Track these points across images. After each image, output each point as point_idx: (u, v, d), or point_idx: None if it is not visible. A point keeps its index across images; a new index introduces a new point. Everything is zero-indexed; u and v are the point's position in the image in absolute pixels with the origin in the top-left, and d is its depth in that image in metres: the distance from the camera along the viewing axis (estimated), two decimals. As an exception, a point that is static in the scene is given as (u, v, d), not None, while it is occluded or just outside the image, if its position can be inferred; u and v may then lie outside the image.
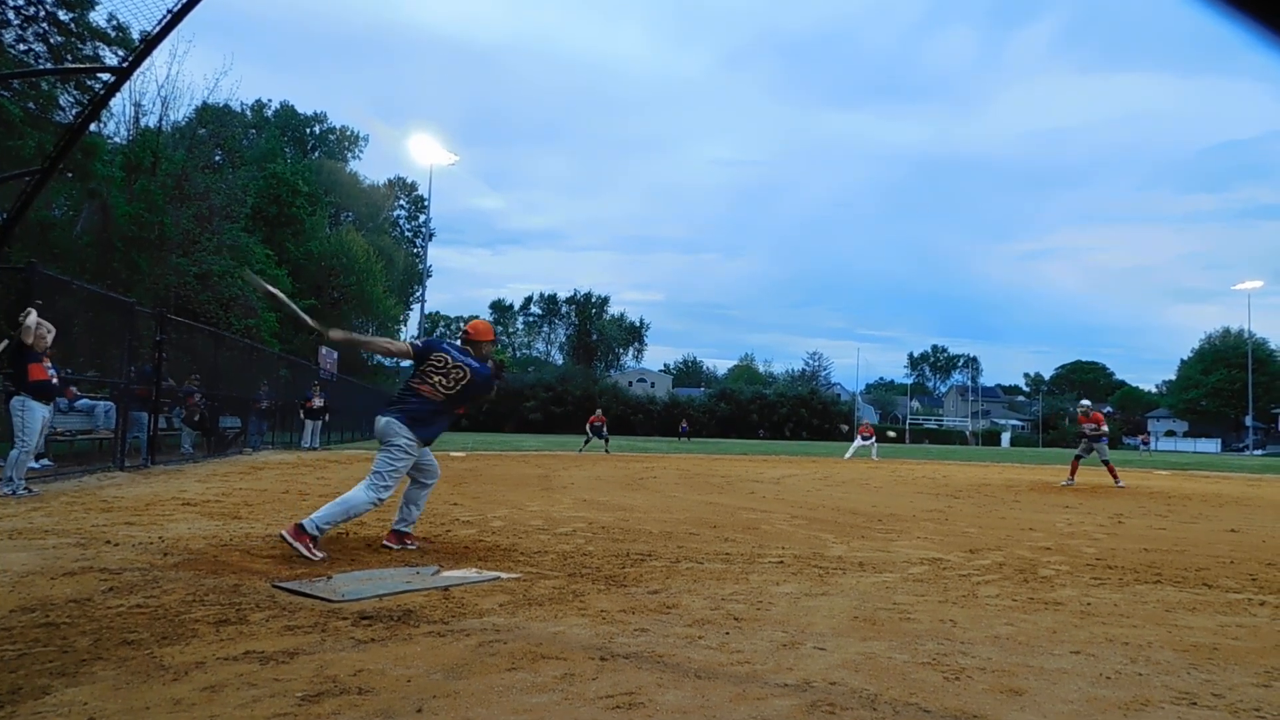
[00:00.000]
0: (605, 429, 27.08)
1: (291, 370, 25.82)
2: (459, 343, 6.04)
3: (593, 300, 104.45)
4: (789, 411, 78.01)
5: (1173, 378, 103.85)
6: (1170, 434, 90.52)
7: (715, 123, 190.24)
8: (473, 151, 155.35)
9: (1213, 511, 11.32)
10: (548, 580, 4.91)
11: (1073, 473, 16.63)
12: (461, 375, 5.79)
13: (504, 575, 5.00)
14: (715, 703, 2.81)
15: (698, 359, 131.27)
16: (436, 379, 5.76)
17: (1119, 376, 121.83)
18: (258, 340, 26.81)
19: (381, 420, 5.68)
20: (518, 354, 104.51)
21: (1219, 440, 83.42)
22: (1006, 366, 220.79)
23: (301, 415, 22.59)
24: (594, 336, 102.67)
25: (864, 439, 30.09)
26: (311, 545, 5.27)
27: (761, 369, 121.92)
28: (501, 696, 2.81)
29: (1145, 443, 77.51)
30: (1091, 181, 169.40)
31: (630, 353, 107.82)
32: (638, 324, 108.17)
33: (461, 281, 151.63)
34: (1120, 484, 15.96)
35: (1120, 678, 3.26)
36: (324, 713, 2.60)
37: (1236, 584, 5.51)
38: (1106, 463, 16.41)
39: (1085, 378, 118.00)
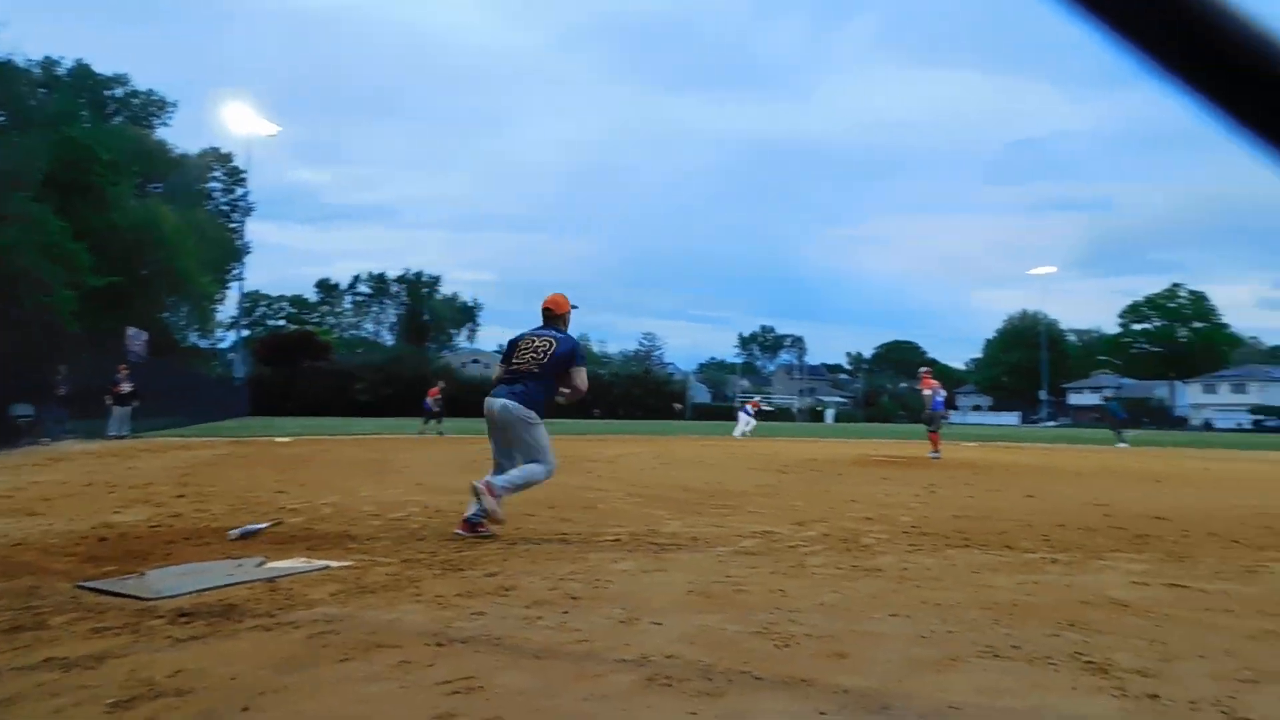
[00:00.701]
0: (440, 406, 26.23)
1: (95, 352, 23.95)
2: (540, 324, 6.47)
3: (424, 279, 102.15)
4: (624, 391, 78.89)
5: (979, 356, 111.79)
6: (977, 408, 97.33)
7: (552, 101, 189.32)
8: (296, 123, 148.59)
9: (1013, 479, 12.28)
10: (381, 567, 4.79)
11: (935, 445, 17.56)
12: (548, 345, 6.21)
13: (334, 564, 4.83)
14: (555, 682, 2.82)
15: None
16: (528, 356, 6.19)
17: (931, 355, 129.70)
18: (55, 319, 24.69)
19: (496, 404, 6.08)
20: (345, 334, 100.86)
21: (1018, 413, 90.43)
22: (830, 346, 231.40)
23: (108, 401, 21.03)
24: (426, 317, 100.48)
25: (749, 414, 30.73)
26: (496, 508, 5.77)
27: (596, 349, 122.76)
28: (334, 689, 2.72)
29: (945, 417, 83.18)
30: (910, 171, 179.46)
31: (464, 333, 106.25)
32: (471, 304, 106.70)
33: (284, 259, 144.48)
34: (933, 455, 17.02)
35: (934, 637, 3.49)
36: (138, 719, 2.43)
37: (1032, 545, 5.99)
38: (932, 431, 17.47)
39: (902, 356, 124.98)
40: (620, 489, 9.81)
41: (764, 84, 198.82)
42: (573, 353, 6.25)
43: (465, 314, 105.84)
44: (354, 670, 2.91)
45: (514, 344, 6.37)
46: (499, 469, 6.21)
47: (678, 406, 76.94)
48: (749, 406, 32.15)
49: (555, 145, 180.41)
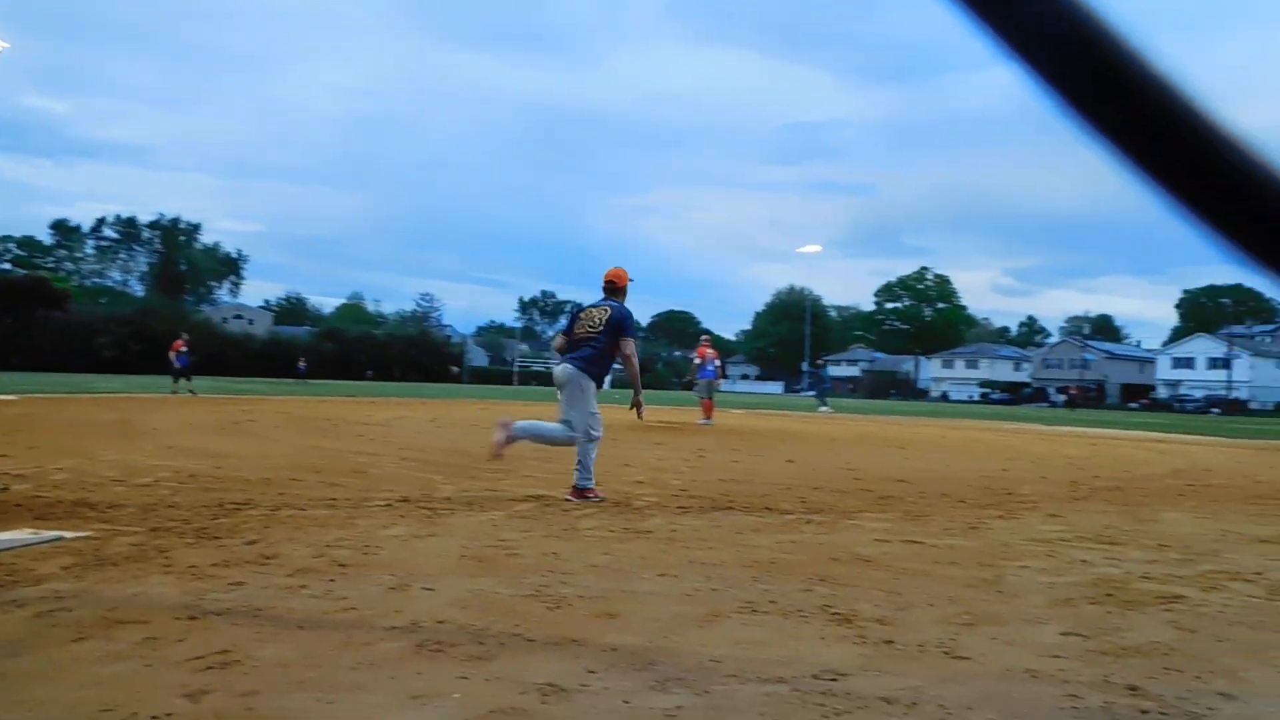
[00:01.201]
0: (187, 360, 24.07)
1: None
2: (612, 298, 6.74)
3: (181, 226, 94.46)
4: (399, 353, 76.69)
5: (749, 328, 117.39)
6: (745, 377, 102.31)
7: (333, 46, 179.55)
8: (28, 41, 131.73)
9: (775, 445, 13.03)
10: (124, 537, 4.42)
11: (707, 412, 18.16)
12: (603, 315, 6.53)
13: (68, 534, 4.41)
14: (319, 652, 2.72)
15: (302, 296, 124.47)
16: (586, 325, 6.55)
17: (706, 325, 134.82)
18: None
19: (560, 368, 6.51)
20: (87, 283, 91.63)
21: (782, 383, 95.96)
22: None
23: None
24: (183, 267, 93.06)
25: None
26: (500, 437, 6.37)
27: (371, 309, 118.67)
28: (68, 670, 2.49)
29: (717, 386, 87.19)
30: (692, 145, 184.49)
31: (226, 286, 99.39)
32: (235, 255, 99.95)
33: (13, 195, 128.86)
34: (702, 422, 17.73)
35: (698, 594, 3.66)
36: None
37: (790, 506, 6.39)
38: (704, 398, 18.19)
39: (677, 325, 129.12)
40: (393, 453, 9.56)
41: (555, 46, 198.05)
42: (623, 322, 6.55)
43: (228, 265, 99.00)
44: (91, 650, 2.68)
45: (576, 314, 6.82)
46: (561, 426, 6.50)
47: (455, 369, 75.76)
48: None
49: (334, 93, 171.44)
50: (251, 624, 3.01)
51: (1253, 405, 71.75)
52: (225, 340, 65.99)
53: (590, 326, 6.52)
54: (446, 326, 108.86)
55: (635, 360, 6.65)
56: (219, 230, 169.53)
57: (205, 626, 2.95)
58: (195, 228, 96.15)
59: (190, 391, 23.08)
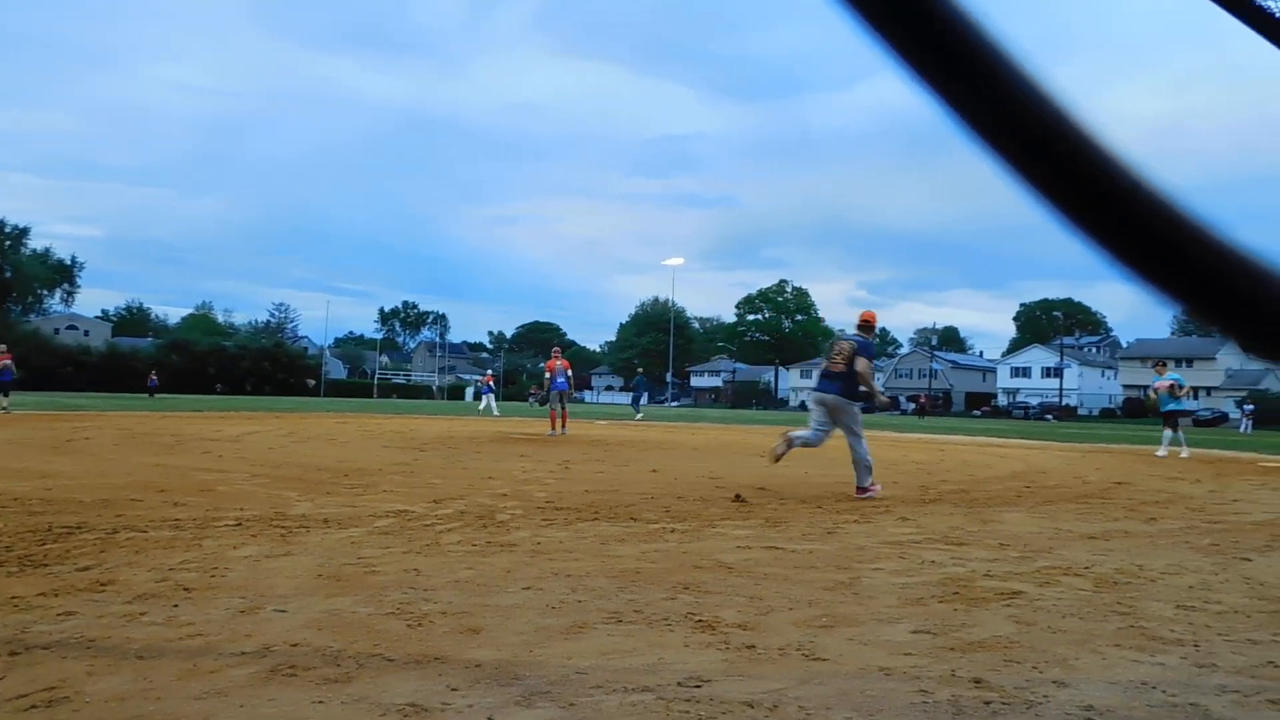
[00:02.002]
0: (11, 375, 22.20)
1: None
2: (859, 334, 8.35)
3: (6, 230, 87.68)
4: (252, 365, 73.57)
5: (613, 339, 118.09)
6: (610, 388, 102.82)
7: (179, 43, 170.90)
8: None
9: (640, 455, 13.12)
10: (-62, 566, 4.05)
11: (554, 424, 18.12)
12: (850, 348, 8.12)
13: (-128, 565, 4.01)
14: (160, 683, 2.56)
15: (145, 306, 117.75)
16: (837, 357, 8.19)
17: (571, 336, 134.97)
18: None
19: (824, 395, 8.13)
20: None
21: (646, 394, 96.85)
22: (473, 324, 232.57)
23: None
24: (8, 273, 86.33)
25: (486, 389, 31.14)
26: (871, 488, 8.06)
27: (221, 319, 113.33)
28: None
29: (570, 396, 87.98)
30: (557, 156, 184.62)
31: (58, 295, 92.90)
32: (69, 262, 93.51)
33: None
34: (549, 434, 17.72)
35: (564, 606, 3.63)
36: None
37: (655, 516, 6.44)
38: (555, 409, 18.18)
39: (542, 336, 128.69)
40: (244, 469, 9.13)
41: (418, 52, 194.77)
42: (861, 349, 8.11)
43: (61, 273, 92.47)
44: (-104, 690, 2.44)
45: (830, 345, 8.66)
46: (813, 431, 8.19)
47: (311, 382, 73.19)
48: (488, 384, 32.55)
49: (183, 92, 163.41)
50: (84, 656, 2.80)
51: (1081, 411, 77.13)
52: (57, 353, 61.76)
53: (840, 358, 8.16)
54: (303, 338, 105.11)
55: (869, 375, 8.11)
56: (51, 234, 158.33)
57: (30, 662, 2.73)
58: (23, 231, 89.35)
59: (2, 409, 21.19)
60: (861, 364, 8.02)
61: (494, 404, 32.24)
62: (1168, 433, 16.60)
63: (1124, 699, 2.71)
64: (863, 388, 8.11)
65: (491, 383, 33.31)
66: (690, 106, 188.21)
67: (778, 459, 8.30)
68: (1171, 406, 16.42)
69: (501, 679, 2.71)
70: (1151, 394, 16.98)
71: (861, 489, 8.00)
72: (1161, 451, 16.42)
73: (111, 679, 2.59)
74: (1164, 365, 17.41)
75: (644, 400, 34.44)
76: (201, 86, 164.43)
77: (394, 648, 2.99)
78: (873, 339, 8.41)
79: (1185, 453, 16.22)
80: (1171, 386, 16.31)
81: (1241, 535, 6.25)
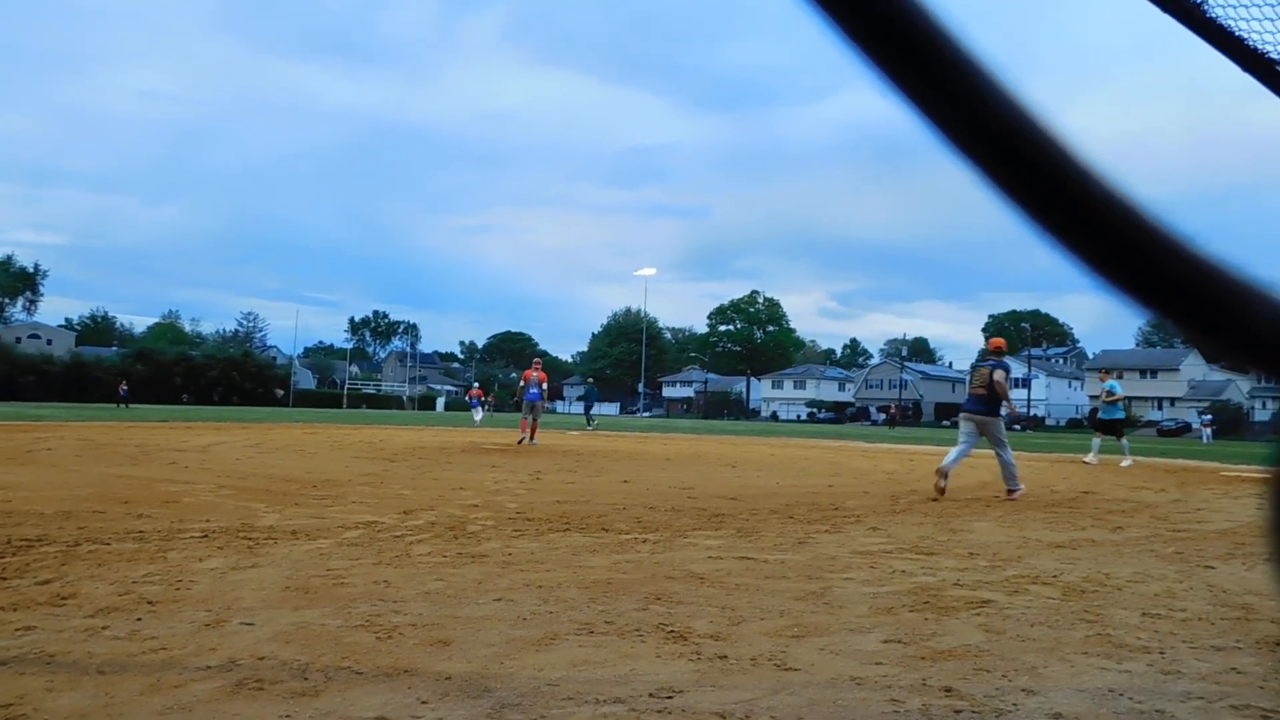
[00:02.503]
0: None
1: None
2: (991, 359, 9.77)
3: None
4: (219, 375, 72.71)
5: (585, 349, 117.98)
6: (581, 399, 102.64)
7: (148, 48, 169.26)
8: None
9: (611, 465, 13.10)
10: (-107, 580, 3.96)
11: (524, 432, 18.22)
12: (986, 375, 9.42)
13: None
14: (122, 699, 2.52)
15: (110, 314, 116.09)
16: (977, 382, 9.58)
17: (542, 346, 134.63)
18: None
19: (970, 414, 9.59)
20: None
21: (619, 404, 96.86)
22: (444, 334, 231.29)
23: None
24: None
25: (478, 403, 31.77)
26: (1018, 488, 9.30)
27: (188, 328, 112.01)
28: None
29: (545, 407, 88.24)
30: (528, 166, 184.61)
31: (20, 304, 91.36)
32: (31, 270, 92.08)
33: None
34: (522, 443, 17.82)
35: (535, 617, 3.61)
36: None
37: (627, 526, 6.43)
38: (525, 418, 18.24)
39: (514, 346, 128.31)
40: (210, 480, 9.00)
41: (387, 61, 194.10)
42: (998, 370, 9.37)
43: (23, 280, 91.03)
44: None
45: (972, 372, 9.88)
46: (962, 446, 9.51)
47: (279, 393, 72.46)
48: (477, 397, 33.42)
49: (147, 98, 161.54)
50: (43, 672, 2.75)
51: (1049, 421, 78.06)
52: (18, 362, 60.57)
53: (980, 383, 9.48)
54: (271, 348, 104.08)
55: (1005, 388, 9.35)
56: (13, 241, 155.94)
57: (-12, 676, 2.67)
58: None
59: None
60: (999, 381, 9.32)
61: (479, 414, 32.99)
62: (1096, 440, 16.74)
63: (1091, 706, 2.73)
64: (1003, 407, 9.41)
65: (481, 395, 34.14)
66: (661, 117, 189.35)
67: (941, 492, 9.21)
68: (1107, 415, 16.63)
69: (472, 691, 2.69)
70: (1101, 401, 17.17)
71: (1011, 491, 9.22)
72: (1090, 458, 16.39)
73: (71, 695, 2.54)
74: (1106, 373, 17.71)
75: (595, 409, 35.16)
76: (165, 92, 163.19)
77: (363, 660, 2.95)
78: (1005, 359, 9.81)
79: (1126, 461, 16.33)
80: (1106, 393, 16.54)
81: (1205, 543, 6.34)
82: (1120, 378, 17.45)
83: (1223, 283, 0.42)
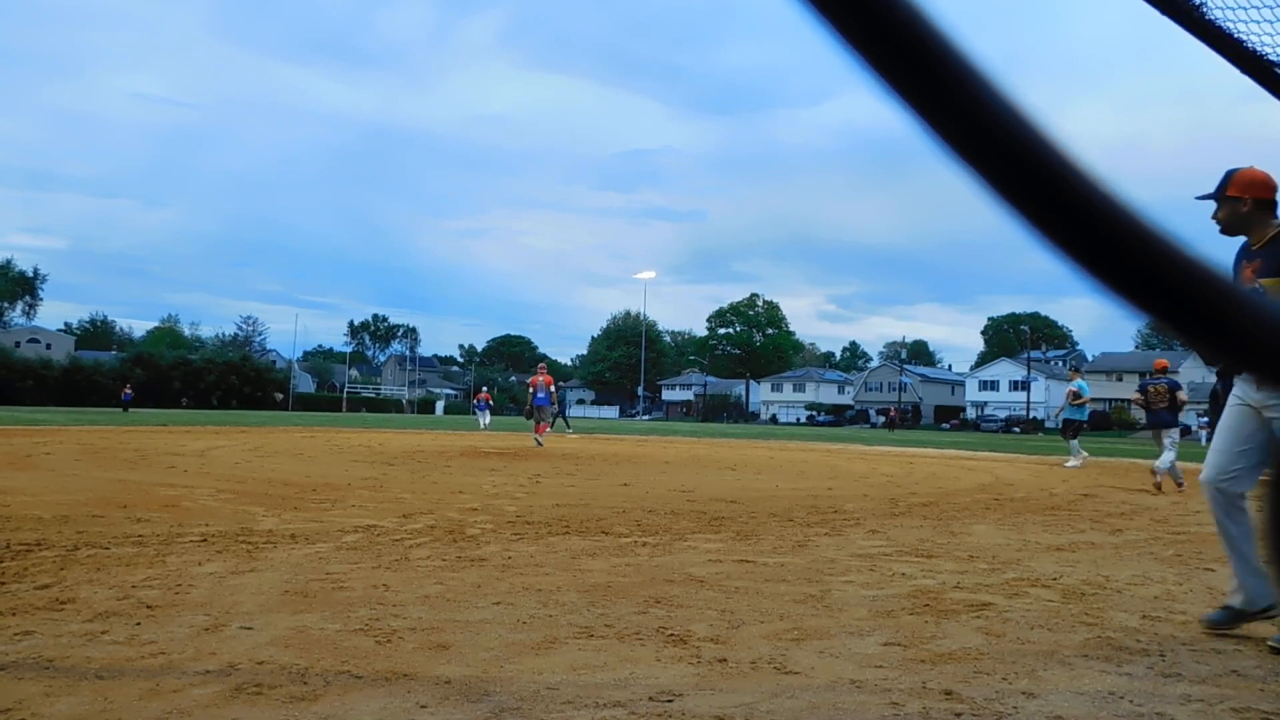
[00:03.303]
0: None
1: None
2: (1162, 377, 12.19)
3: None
4: (218, 379, 72.64)
5: (584, 352, 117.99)
6: (581, 401, 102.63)
7: (146, 52, 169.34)
8: None
9: (611, 469, 13.09)
10: (-109, 585, 3.95)
11: (540, 434, 18.69)
12: (1164, 389, 11.68)
13: None
14: (120, 704, 2.51)
15: (109, 318, 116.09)
16: (1155, 398, 11.73)
17: (542, 350, 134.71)
18: None
19: (1157, 423, 11.76)
20: None
21: (618, 407, 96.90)
22: (443, 338, 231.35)
23: None
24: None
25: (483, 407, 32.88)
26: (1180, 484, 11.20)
27: (187, 332, 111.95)
28: None
29: (554, 411, 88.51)
30: (526, 170, 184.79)
31: (20, 308, 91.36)
32: (30, 274, 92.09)
33: None
34: (538, 443, 18.02)
35: (534, 621, 3.61)
36: None
37: (626, 530, 6.43)
38: (537, 422, 18.46)
39: (513, 350, 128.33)
40: (209, 485, 9.00)
41: (384, 65, 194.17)
42: (1171, 388, 11.61)
43: (23, 285, 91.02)
44: None
45: (1149, 390, 11.88)
46: (1167, 451, 11.28)
47: (279, 396, 72.44)
48: (486, 400, 34.02)
49: (144, 101, 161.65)
50: (42, 677, 2.74)
51: (1048, 424, 77.96)
52: (17, 367, 60.47)
53: (1158, 398, 11.65)
54: (270, 351, 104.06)
55: (1180, 395, 11.67)
56: (11, 246, 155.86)
57: (-14, 681, 2.67)
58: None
59: None
60: (1179, 397, 11.61)
61: (486, 419, 33.40)
62: (1074, 442, 16.39)
63: (1091, 709, 2.73)
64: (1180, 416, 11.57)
65: (489, 400, 34.69)
66: (658, 121, 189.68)
67: (1158, 487, 10.99)
68: (1068, 415, 16.23)
69: (471, 695, 2.68)
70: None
71: (1178, 485, 11.11)
72: (1072, 462, 16.14)
73: (69, 700, 2.54)
74: (1076, 372, 17.44)
75: (569, 411, 35.66)
76: (162, 96, 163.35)
77: (362, 665, 2.95)
78: (1175, 377, 11.99)
79: (1072, 462, 16.10)
80: (1074, 393, 16.19)
81: (1204, 546, 6.34)
82: (1080, 375, 17.10)
83: (1218, 287, 0.42)
